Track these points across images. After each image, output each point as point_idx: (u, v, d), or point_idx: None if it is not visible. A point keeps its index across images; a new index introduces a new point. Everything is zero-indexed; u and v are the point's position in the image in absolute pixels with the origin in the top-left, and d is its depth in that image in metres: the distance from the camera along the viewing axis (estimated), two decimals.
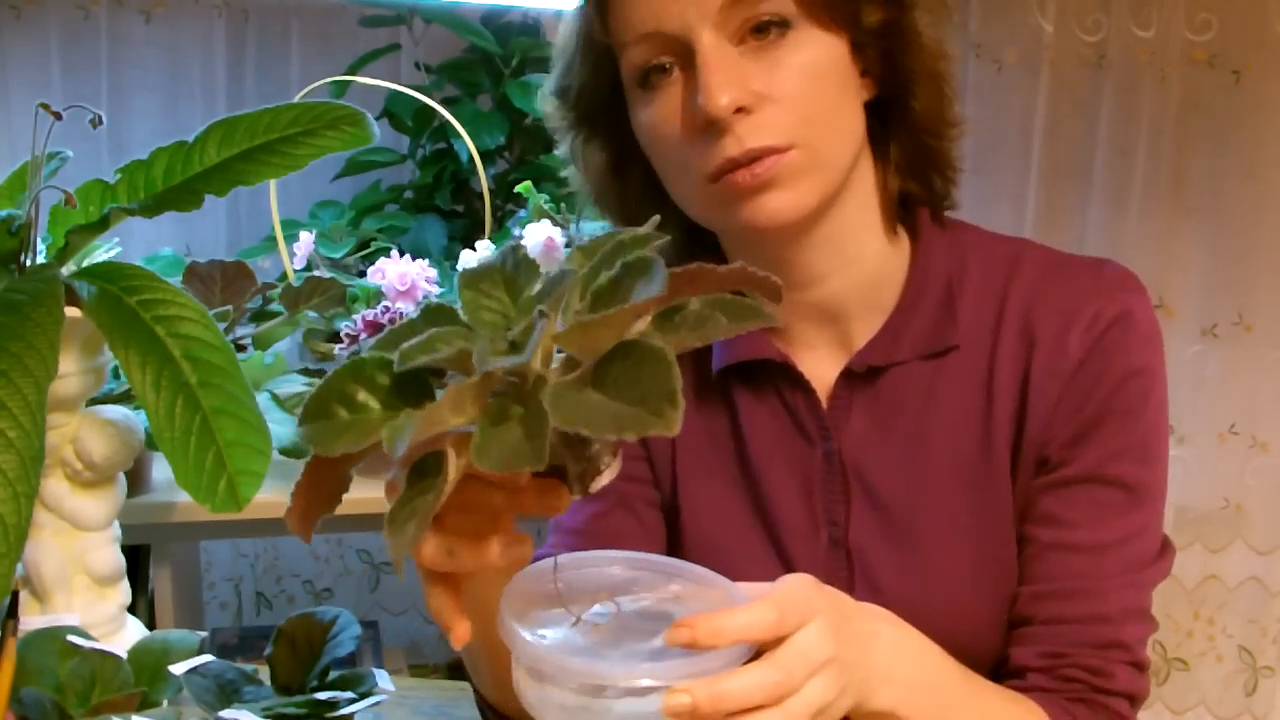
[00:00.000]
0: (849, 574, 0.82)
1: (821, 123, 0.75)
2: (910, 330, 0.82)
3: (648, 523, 0.88)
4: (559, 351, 0.53)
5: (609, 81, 0.81)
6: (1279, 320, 2.19)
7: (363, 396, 0.52)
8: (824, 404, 0.83)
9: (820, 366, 0.84)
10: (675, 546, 0.88)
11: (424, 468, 0.52)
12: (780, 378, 0.84)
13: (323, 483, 0.56)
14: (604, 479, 0.56)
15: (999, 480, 0.80)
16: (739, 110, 0.73)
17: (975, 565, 0.80)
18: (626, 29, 0.76)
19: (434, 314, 0.56)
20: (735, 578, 0.84)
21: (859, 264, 0.82)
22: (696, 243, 0.86)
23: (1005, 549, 0.80)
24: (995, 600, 0.80)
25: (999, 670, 0.81)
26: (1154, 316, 0.81)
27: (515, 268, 0.57)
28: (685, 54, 0.74)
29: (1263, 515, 2.26)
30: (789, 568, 0.83)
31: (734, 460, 0.86)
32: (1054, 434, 0.79)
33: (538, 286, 0.56)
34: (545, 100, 0.87)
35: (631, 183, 0.86)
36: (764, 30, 0.74)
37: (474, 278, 0.57)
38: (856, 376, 0.82)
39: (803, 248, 0.80)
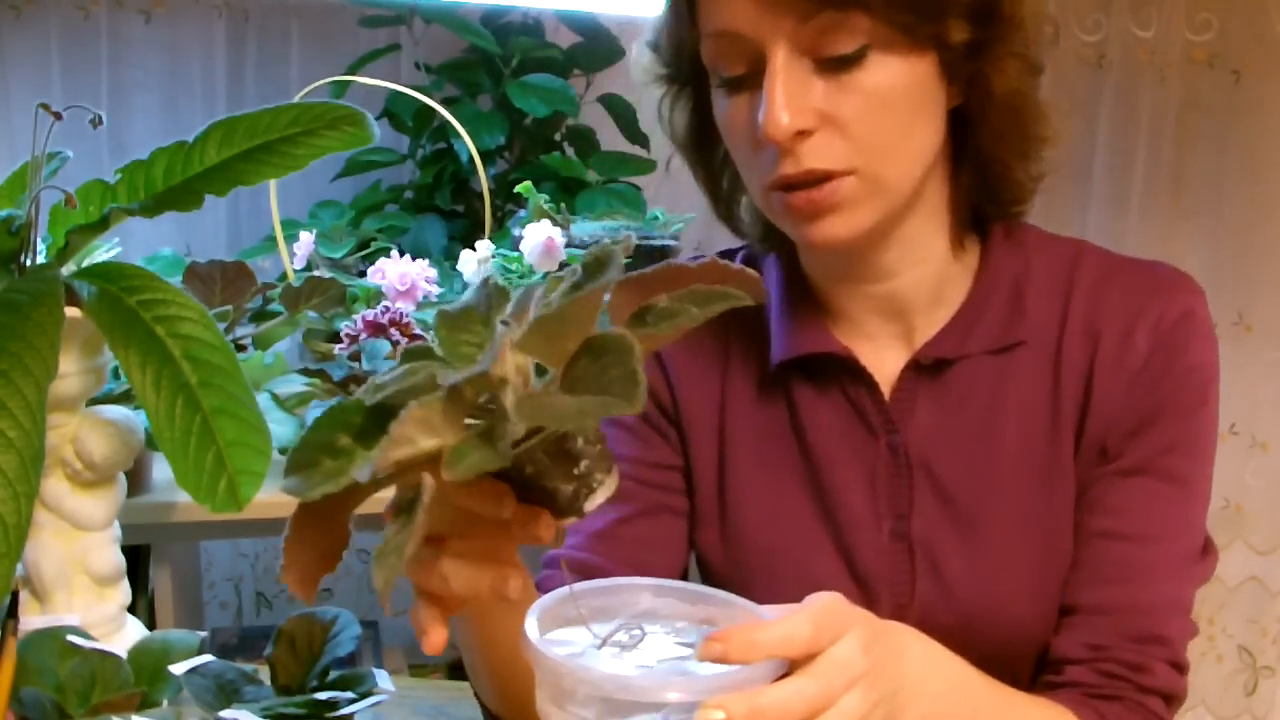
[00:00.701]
0: (910, 566, 0.83)
1: (886, 149, 0.74)
2: (980, 325, 0.82)
3: (671, 532, 0.88)
4: (541, 378, 0.53)
5: (695, 58, 0.79)
6: (1279, 320, 2.20)
7: (344, 442, 0.52)
8: (887, 396, 0.84)
9: (882, 359, 0.84)
10: (727, 544, 0.88)
11: (407, 503, 0.52)
12: (842, 371, 0.84)
13: (319, 537, 0.55)
14: (599, 497, 0.55)
15: (1063, 474, 0.82)
16: (800, 133, 0.72)
17: (1040, 559, 0.81)
18: (707, 19, 0.75)
19: (411, 354, 0.56)
20: (794, 571, 0.84)
21: (927, 263, 0.82)
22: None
23: (1069, 542, 0.82)
24: (1059, 593, 0.82)
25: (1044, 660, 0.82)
26: (1210, 318, 0.82)
27: (488, 304, 0.57)
28: (758, 59, 0.73)
29: (1263, 515, 2.26)
30: (849, 559, 0.84)
31: (794, 454, 0.86)
32: (1115, 426, 0.81)
33: (509, 309, 0.56)
34: (639, 49, 0.85)
35: (716, 152, 0.86)
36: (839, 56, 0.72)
37: (451, 320, 0.57)
38: (922, 369, 0.83)
39: (872, 248, 0.81)
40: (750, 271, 0.55)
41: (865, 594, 0.83)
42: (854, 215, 0.75)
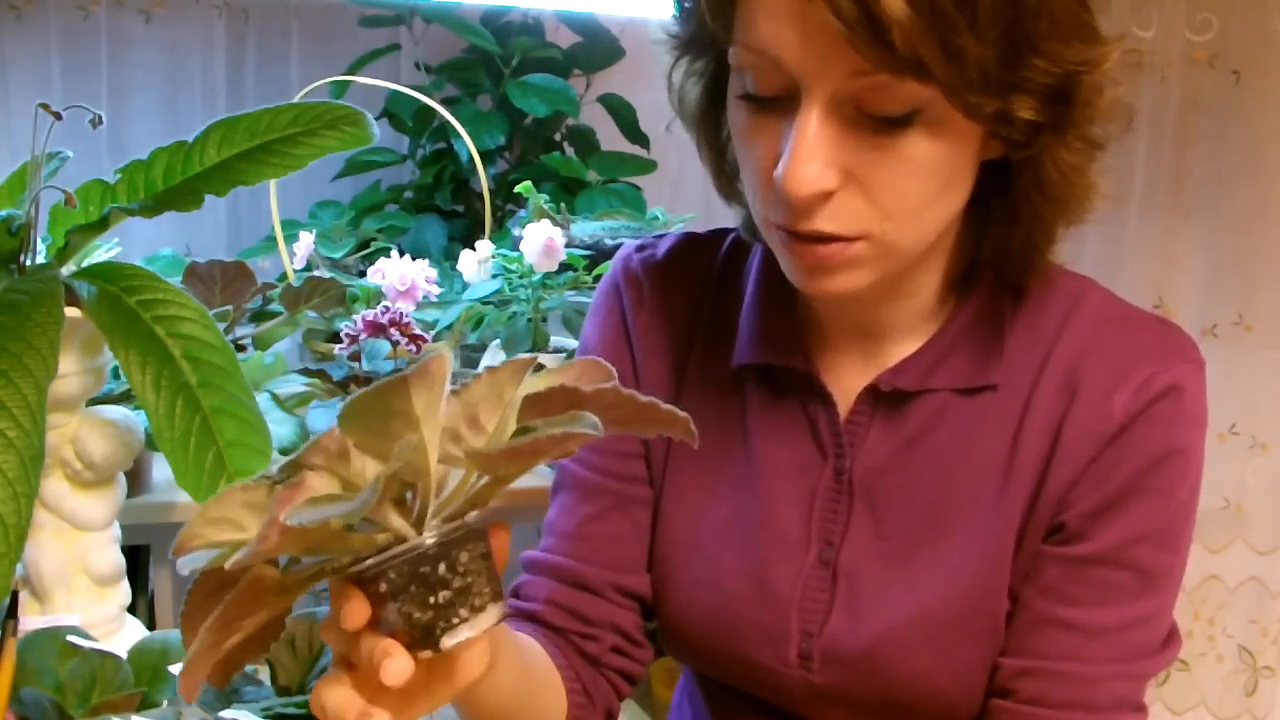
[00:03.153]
0: (830, 595, 0.79)
1: (905, 218, 0.67)
2: (950, 361, 0.77)
3: (642, 524, 0.86)
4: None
5: (722, 47, 0.70)
6: (1279, 320, 2.19)
7: (235, 516, 0.51)
8: (843, 417, 0.80)
9: (847, 377, 0.80)
10: (655, 532, 0.86)
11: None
12: (803, 384, 0.81)
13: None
14: (461, 634, 0.52)
15: (1006, 533, 0.76)
16: (820, 194, 0.65)
17: (970, 617, 0.76)
18: (744, 30, 0.65)
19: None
20: (707, 574, 0.83)
21: (915, 297, 0.77)
22: None
23: (1000, 604, 0.76)
24: (985, 656, 0.76)
25: None
26: (1205, 393, 0.75)
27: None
28: (792, 88, 0.65)
29: (1263, 515, 2.26)
30: (764, 575, 0.81)
31: (737, 457, 0.83)
32: (1077, 498, 0.74)
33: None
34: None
35: (723, 129, 0.78)
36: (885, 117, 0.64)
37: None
38: (882, 396, 0.78)
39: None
40: (678, 413, 0.53)
41: (774, 613, 0.80)
42: (855, 275, 0.69)
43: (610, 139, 1.92)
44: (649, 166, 1.85)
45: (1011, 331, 0.77)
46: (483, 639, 0.58)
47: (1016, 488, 0.76)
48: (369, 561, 0.51)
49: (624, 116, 1.89)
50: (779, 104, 0.66)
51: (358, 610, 0.52)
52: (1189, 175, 2.17)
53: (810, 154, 0.64)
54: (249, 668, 0.85)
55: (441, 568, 0.51)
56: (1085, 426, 0.74)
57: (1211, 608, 2.29)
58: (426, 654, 0.51)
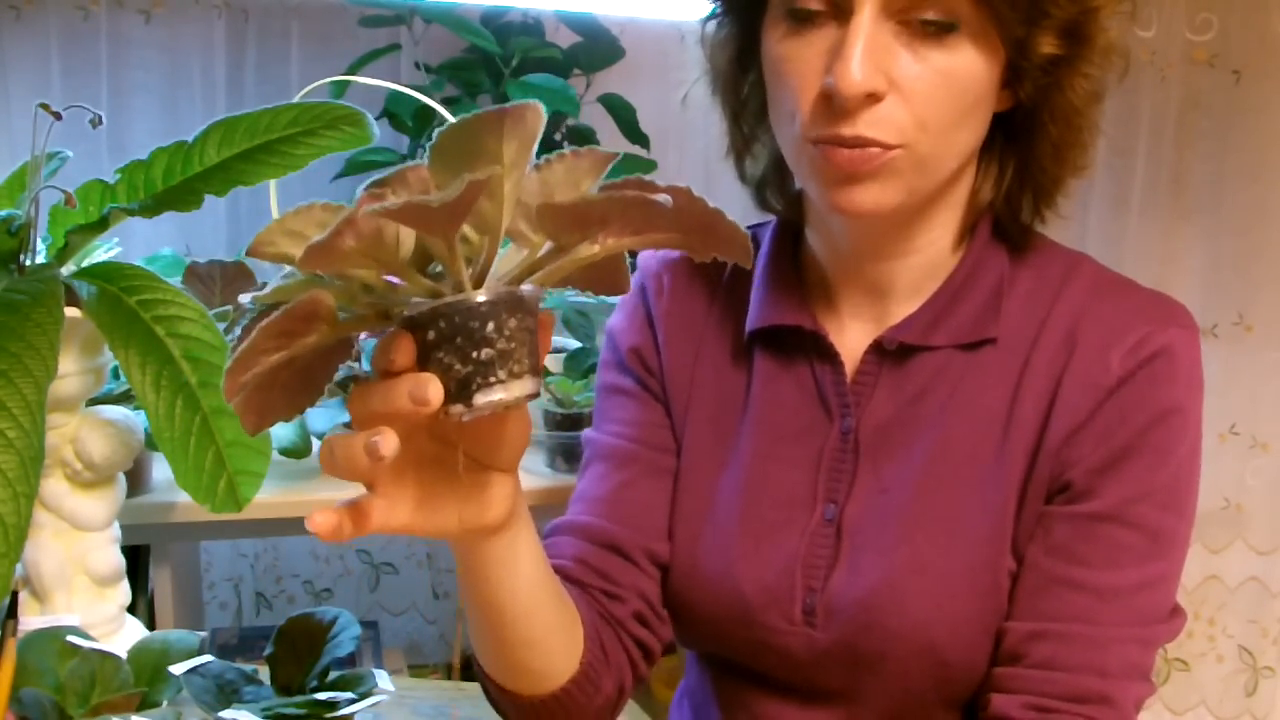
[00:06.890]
0: (833, 553, 0.81)
1: (939, 132, 0.72)
2: (951, 318, 0.80)
3: (667, 494, 0.88)
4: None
5: None
6: (1279, 321, 2.19)
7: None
8: (849, 378, 0.83)
9: (854, 340, 0.83)
10: (671, 505, 0.88)
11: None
12: (811, 347, 0.84)
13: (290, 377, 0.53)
14: (495, 394, 0.52)
15: (1008, 487, 0.78)
16: (869, 95, 0.70)
17: (969, 569, 0.78)
18: None
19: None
20: (719, 545, 0.84)
21: (922, 252, 0.81)
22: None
23: (1002, 558, 0.78)
24: (983, 611, 0.77)
25: (978, 709, 0.78)
26: (1199, 358, 0.78)
27: None
28: (842, 6, 0.70)
29: (1263, 515, 2.26)
30: (772, 538, 0.82)
31: (746, 425, 0.85)
32: (1079, 454, 0.77)
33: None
34: None
35: (750, 80, 0.83)
36: (928, 23, 0.70)
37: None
38: (887, 354, 0.81)
39: (873, 224, 0.79)
40: (729, 224, 0.54)
41: (779, 572, 0.82)
42: (887, 189, 0.73)
43: (610, 139, 1.91)
44: (649, 166, 1.84)
45: (1011, 291, 0.81)
46: (509, 485, 0.63)
47: (1017, 442, 0.78)
48: (424, 307, 0.52)
49: (624, 116, 1.89)
50: (823, 20, 0.71)
51: (405, 349, 0.53)
52: (1189, 175, 2.17)
53: (863, 55, 0.69)
54: (249, 668, 0.85)
55: (489, 326, 0.52)
56: (1084, 379, 0.77)
57: (1211, 608, 2.29)
58: (459, 408, 0.53)
